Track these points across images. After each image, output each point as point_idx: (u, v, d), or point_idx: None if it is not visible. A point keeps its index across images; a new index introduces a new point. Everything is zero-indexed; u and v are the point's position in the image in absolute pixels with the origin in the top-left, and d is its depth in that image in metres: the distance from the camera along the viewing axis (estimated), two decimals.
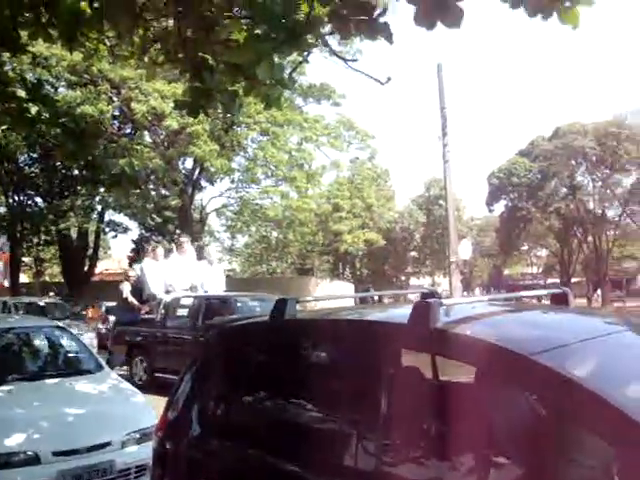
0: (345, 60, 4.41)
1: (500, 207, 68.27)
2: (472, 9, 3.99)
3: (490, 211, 70.45)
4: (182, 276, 14.10)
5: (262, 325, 3.80)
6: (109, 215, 39.73)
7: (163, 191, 34.17)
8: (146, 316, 13.87)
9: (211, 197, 36.46)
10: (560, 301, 3.79)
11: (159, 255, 14.46)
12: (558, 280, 72.85)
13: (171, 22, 5.51)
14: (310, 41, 4.46)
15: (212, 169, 30.67)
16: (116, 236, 42.23)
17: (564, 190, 63.00)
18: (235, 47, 4.30)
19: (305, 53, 5.55)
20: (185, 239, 15.93)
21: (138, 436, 6.07)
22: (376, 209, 36.91)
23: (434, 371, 2.85)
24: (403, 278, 66.47)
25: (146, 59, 5.84)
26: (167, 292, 13.79)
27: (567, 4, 4.00)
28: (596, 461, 2.34)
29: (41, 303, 22.73)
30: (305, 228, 30.97)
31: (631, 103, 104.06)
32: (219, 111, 5.02)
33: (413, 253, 65.46)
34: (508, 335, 2.84)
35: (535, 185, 62.95)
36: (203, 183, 34.70)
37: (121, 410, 6.53)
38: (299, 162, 32.40)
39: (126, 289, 14.29)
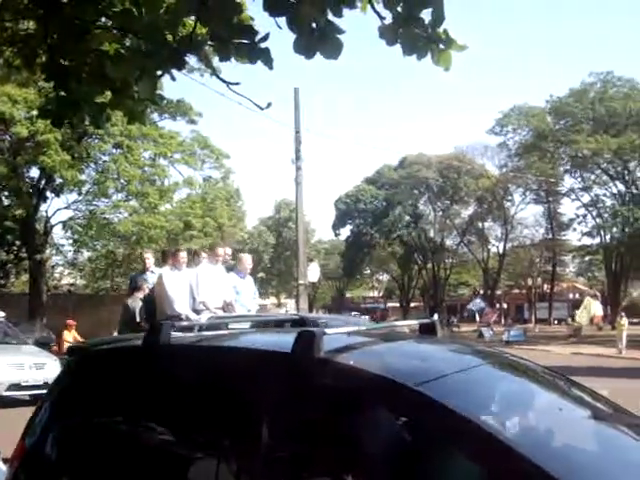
0: (227, 83, 4.35)
1: (346, 231, 69.93)
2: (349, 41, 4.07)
3: (336, 235, 72.07)
4: (216, 291, 10.54)
5: (133, 350, 3.63)
6: None
7: (6, 201, 32.43)
8: None
9: (57, 209, 34.91)
10: (428, 331, 3.88)
11: (182, 262, 10.62)
12: (398, 304, 75.41)
13: (32, 24, 5.26)
14: (187, 60, 4.42)
15: (60, 180, 29.44)
16: None
17: (407, 218, 65.40)
18: (115, 60, 4.14)
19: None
20: (220, 245, 12.50)
21: None
22: (227, 229, 36.70)
23: (317, 401, 2.82)
24: None
25: (0, 61, 5.55)
26: (196, 312, 10.40)
27: (441, 47, 4.14)
28: None
29: None
30: (154, 245, 30.26)
31: (471, 137, 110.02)
32: (86, 123, 4.81)
33: (261, 274, 65.65)
34: (391, 365, 2.89)
35: (380, 212, 65.07)
36: (49, 194, 33.14)
37: None
38: (152, 178, 31.80)
39: (137, 306, 10.56)
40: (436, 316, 61.78)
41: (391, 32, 4.11)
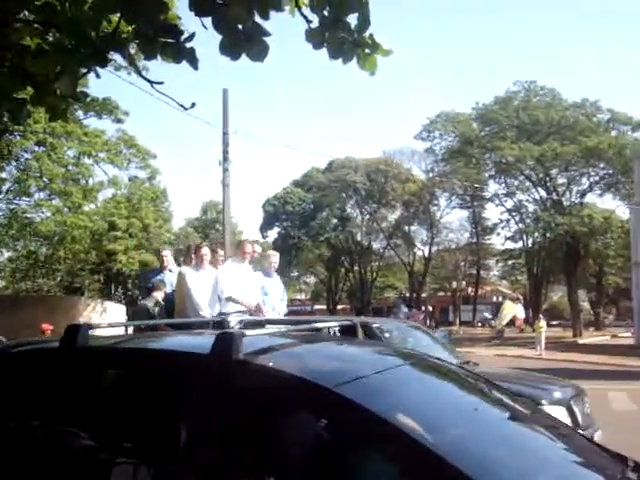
0: (151, 82, 4.29)
1: (274, 234, 69.78)
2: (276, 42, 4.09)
3: (264, 237, 71.81)
4: (244, 292, 9.42)
5: (49, 352, 3.55)
6: None
7: None
8: None
9: None
10: (349, 332, 3.93)
11: (205, 259, 9.53)
12: (325, 307, 75.63)
13: None
14: (112, 57, 4.35)
15: None
16: None
17: (335, 221, 65.67)
18: (37, 55, 4.04)
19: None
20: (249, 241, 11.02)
21: None
22: (153, 230, 36.18)
23: (236, 402, 2.80)
24: None
25: None
26: (221, 314, 9.09)
27: (367, 51, 4.19)
28: None
29: None
30: (77, 245, 29.59)
31: (398, 142, 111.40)
32: (5, 119, 4.65)
33: None
34: (310, 367, 2.93)
35: (308, 215, 65.17)
36: None
37: None
38: (76, 177, 31.05)
39: (155, 309, 9.36)
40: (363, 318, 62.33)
41: (318, 36, 4.13)
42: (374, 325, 7.91)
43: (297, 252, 67.58)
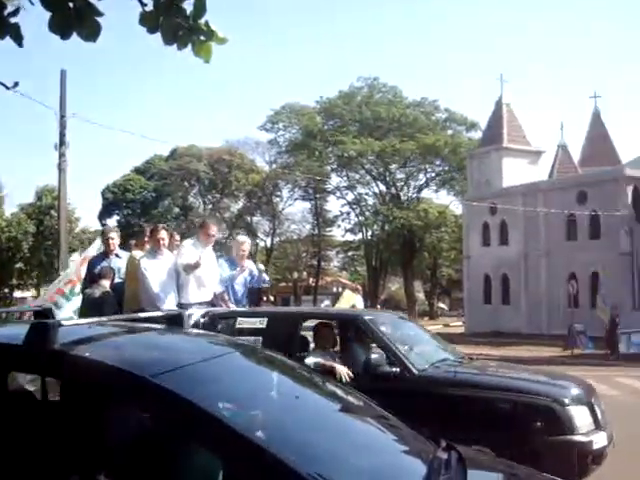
0: None
1: (113, 222, 67.85)
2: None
3: (103, 225, 69.66)
4: (210, 281, 8.33)
5: None
6: None
7: None
8: None
9: None
10: (174, 322, 3.88)
11: (163, 244, 8.25)
12: None
13: None
14: None
15: None
16: None
17: (177, 210, 64.77)
18: None
19: None
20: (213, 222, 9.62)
21: None
22: None
23: (50, 394, 2.74)
24: (7, 290, 62.23)
25: None
26: (180, 306, 7.87)
27: (202, 38, 4.03)
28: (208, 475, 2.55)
29: None
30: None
31: (243, 132, 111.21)
32: None
33: (19, 264, 61.73)
34: (128, 357, 2.88)
35: (149, 203, 63.91)
36: None
37: None
38: None
39: (105, 299, 8.13)
40: None
41: (152, 20, 3.91)
42: (367, 318, 7.19)
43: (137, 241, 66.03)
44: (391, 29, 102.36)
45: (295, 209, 66.04)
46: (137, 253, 8.54)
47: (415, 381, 6.37)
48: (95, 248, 10.06)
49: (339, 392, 3.54)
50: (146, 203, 63.95)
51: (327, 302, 69.68)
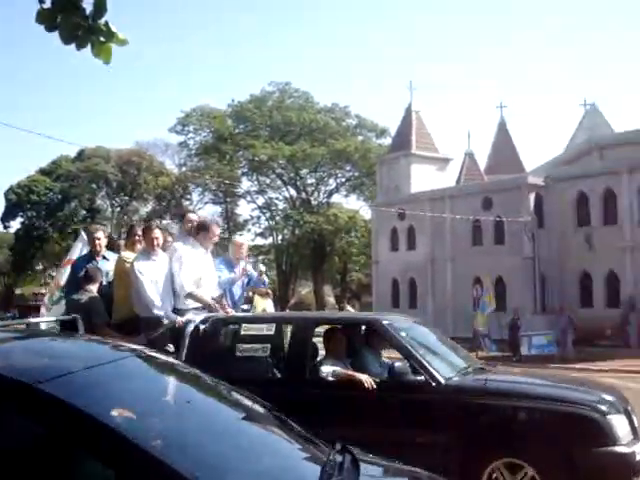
0: None
1: (17, 224, 65.81)
2: None
3: (5, 227, 67.47)
4: (208, 285, 7.66)
5: None
6: None
7: None
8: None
9: None
10: (70, 328, 3.90)
11: (157, 244, 7.58)
12: None
13: None
14: None
15: None
16: None
17: (84, 212, 63.32)
18: None
19: None
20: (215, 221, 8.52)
21: None
22: None
23: None
24: None
25: None
26: (176, 311, 7.34)
27: (102, 39, 3.96)
28: None
29: None
30: None
31: (152, 134, 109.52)
32: None
33: None
34: (14, 363, 2.79)
35: (55, 205, 62.19)
36: None
37: None
38: None
39: (93, 304, 7.31)
40: None
41: (50, 18, 3.82)
42: (385, 322, 6.67)
43: (42, 244, 64.03)
44: (304, 34, 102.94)
45: (205, 212, 65.42)
46: (127, 254, 7.87)
47: (442, 391, 5.87)
48: (77, 250, 9.23)
49: (233, 396, 3.51)
50: (52, 205, 62.12)
51: (246, 306, 69.11)
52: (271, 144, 53.41)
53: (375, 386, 5.98)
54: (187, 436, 2.76)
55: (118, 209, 64.60)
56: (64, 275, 8.87)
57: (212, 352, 6.63)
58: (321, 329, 7.44)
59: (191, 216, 8.10)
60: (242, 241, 8.96)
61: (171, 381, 3.51)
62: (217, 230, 8.00)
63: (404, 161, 40.52)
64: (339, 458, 2.91)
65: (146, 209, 65.38)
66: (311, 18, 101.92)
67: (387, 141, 53.38)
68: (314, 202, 57.57)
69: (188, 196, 63.00)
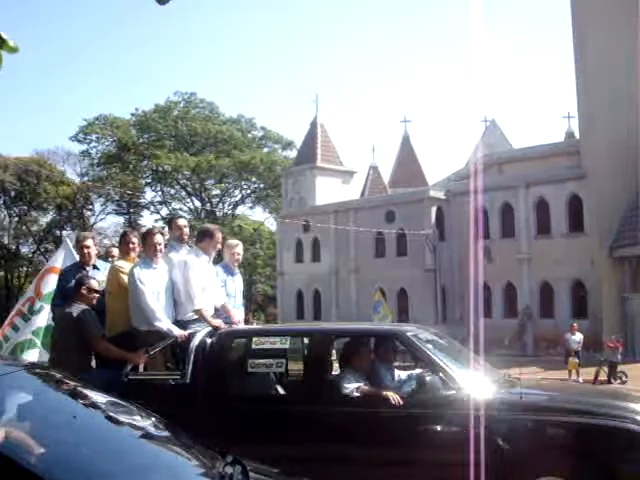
0: None
1: None
2: None
3: None
4: (211, 294, 7.01)
5: None
6: None
7: None
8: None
9: None
10: None
11: (158, 251, 6.93)
12: None
13: None
14: None
15: None
16: None
17: None
18: None
19: None
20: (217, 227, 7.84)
21: None
22: None
23: None
24: None
25: None
26: (178, 324, 6.67)
27: None
28: None
29: None
30: None
31: (53, 142, 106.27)
32: None
33: None
34: None
35: None
36: None
37: None
38: None
39: (89, 317, 6.59)
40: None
41: None
42: (409, 334, 6.27)
43: None
44: (210, 45, 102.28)
45: (108, 223, 64.03)
46: (122, 264, 7.16)
47: (476, 406, 5.43)
48: (60, 259, 8.67)
49: (123, 410, 3.44)
50: None
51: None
52: (176, 154, 52.93)
53: (402, 402, 5.66)
54: (72, 452, 2.73)
55: (16, 219, 62.43)
56: (48, 284, 8.40)
57: (221, 368, 6.27)
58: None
59: (180, 222, 7.49)
60: (236, 243, 8.15)
61: (59, 396, 3.45)
62: (219, 234, 7.40)
63: (309, 173, 40.93)
64: (229, 470, 2.92)
65: (46, 219, 63.47)
66: (218, 29, 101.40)
67: (293, 153, 53.84)
68: (219, 213, 57.22)
69: (90, 206, 61.53)
